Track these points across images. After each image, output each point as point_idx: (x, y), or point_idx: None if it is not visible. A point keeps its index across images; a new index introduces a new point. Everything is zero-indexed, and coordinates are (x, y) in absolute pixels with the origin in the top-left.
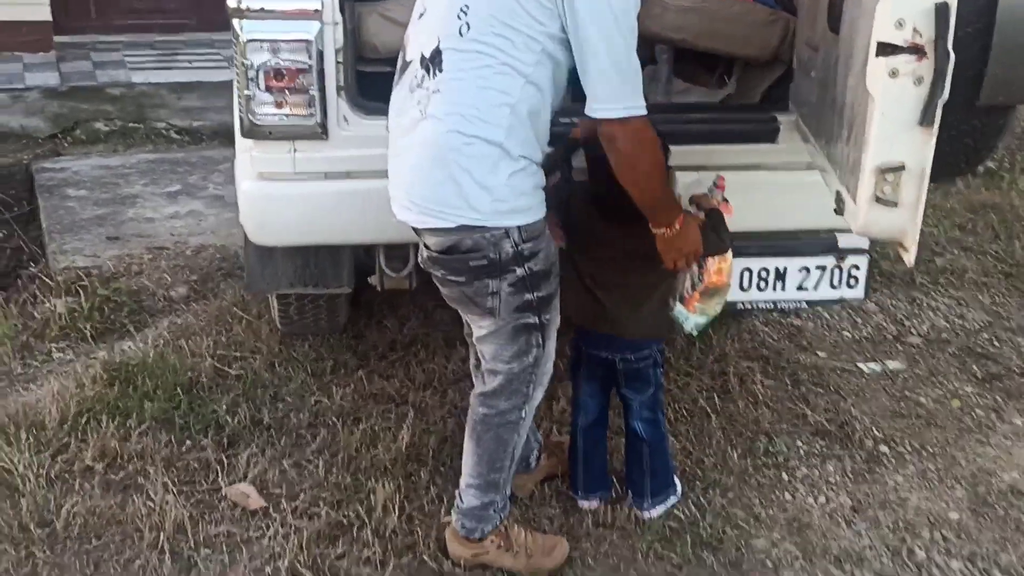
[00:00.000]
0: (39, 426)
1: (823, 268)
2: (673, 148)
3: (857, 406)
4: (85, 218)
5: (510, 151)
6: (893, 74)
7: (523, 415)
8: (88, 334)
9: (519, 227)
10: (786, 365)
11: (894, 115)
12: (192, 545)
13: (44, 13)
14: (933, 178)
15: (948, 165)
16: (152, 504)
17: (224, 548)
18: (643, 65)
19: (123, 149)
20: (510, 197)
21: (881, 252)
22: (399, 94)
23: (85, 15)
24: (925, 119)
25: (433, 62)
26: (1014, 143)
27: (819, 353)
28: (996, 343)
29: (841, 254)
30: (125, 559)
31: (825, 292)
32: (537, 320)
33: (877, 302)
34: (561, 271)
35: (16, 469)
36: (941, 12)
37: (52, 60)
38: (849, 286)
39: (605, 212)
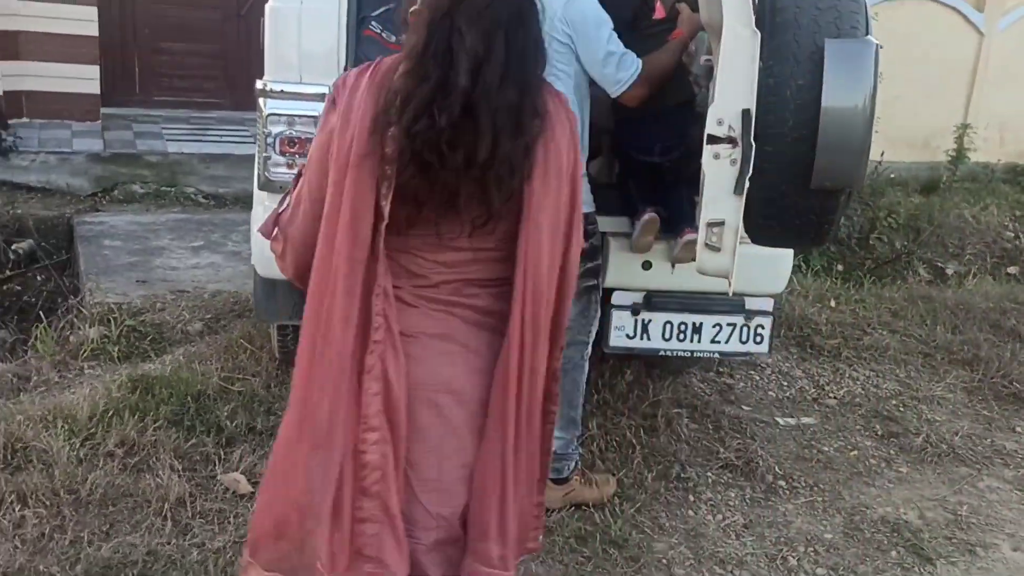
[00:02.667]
0: (72, 418)
1: (733, 325)
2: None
3: (765, 448)
4: (119, 264)
5: (585, 158)
6: (716, 157)
7: (584, 357)
8: (115, 356)
9: (589, 212)
10: (711, 413)
11: (717, 186)
12: (190, 515)
13: (94, 87)
14: (788, 246)
15: (799, 237)
16: (160, 481)
17: (216, 520)
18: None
19: (155, 209)
20: (587, 191)
21: (814, 329)
22: None
23: (130, 90)
24: (737, 188)
25: None
26: (984, 248)
27: (744, 407)
28: (902, 408)
29: (749, 315)
30: (135, 521)
31: (735, 346)
32: (596, 283)
33: (803, 370)
34: None
35: (51, 449)
36: (746, 115)
37: (98, 129)
38: (756, 342)
39: None
